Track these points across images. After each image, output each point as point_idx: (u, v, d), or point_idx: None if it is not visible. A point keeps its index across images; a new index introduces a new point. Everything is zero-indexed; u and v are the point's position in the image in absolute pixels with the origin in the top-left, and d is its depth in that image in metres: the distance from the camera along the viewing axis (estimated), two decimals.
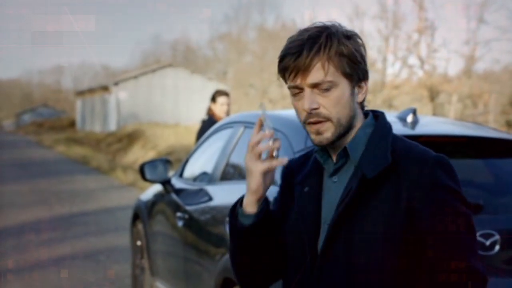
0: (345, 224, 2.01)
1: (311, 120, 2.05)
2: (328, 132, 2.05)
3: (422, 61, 26.21)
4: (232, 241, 2.20)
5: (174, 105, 41.26)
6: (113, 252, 9.19)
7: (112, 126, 39.64)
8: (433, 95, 25.00)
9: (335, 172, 2.11)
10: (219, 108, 8.24)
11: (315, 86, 2.03)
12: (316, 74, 2.02)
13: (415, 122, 4.00)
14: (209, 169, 5.22)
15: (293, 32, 2.14)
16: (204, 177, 5.33)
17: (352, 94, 2.07)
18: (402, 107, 25.00)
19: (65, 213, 12.63)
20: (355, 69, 2.05)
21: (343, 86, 2.04)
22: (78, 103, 52.91)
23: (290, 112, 4.22)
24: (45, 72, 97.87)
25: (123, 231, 9.95)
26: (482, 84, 24.41)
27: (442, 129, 4.22)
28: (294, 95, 2.08)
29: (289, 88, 2.08)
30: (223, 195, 4.69)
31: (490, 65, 28.20)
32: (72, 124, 54.43)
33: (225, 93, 8.35)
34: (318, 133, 2.06)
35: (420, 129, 3.94)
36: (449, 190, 1.96)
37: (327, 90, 2.03)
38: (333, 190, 2.10)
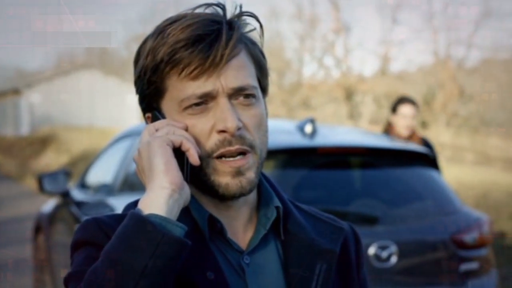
0: None
1: (232, 148, 1.35)
2: (251, 171, 1.37)
3: (338, 61, 26.49)
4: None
5: (89, 108, 40.58)
6: (20, 264, 8.90)
7: (25, 130, 38.72)
8: (349, 95, 25.29)
9: (254, 249, 1.43)
10: (401, 121, 5.99)
11: (235, 93, 1.36)
12: (239, 73, 1.36)
13: (313, 133, 3.95)
14: (108, 180, 5.10)
15: None
16: (103, 188, 5.20)
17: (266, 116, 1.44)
18: (319, 107, 25.25)
19: None
20: (267, 82, 1.45)
21: (262, 102, 1.42)
22: None
23: None
24: None
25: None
26: (397, 84, 24.83)
27: (341, 140, 4.19)
28: (191, 109, 1.36)
29: (185, 100, 1.35)
30: (122, 207, 4.58)
31: (405, 66, 28.74)
32: None
33: (411, 101, 6.13)
34: (239, 173, 1.36)
35: (319, 140, 3.89)
36: None
37: (249, 101, 1.37)
38: (252, 278, 1.41)
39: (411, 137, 5.85)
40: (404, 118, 5.92)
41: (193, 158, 1.31)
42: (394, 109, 6.03)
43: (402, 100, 6.09)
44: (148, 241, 1.20)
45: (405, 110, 5.95)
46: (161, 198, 1.26)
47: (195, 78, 1.34)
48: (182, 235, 1.25)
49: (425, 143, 5.87)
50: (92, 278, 1.22)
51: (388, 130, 6.03)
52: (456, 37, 24.09)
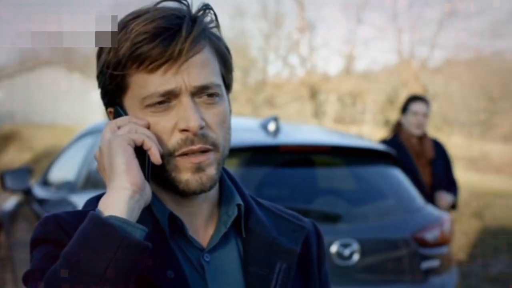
0: None
1: (194, 147, 1.33)
2: (212, 167, 1.35)
3: (303, 60, 26.55)
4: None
5: (52, 105, 40.21)
6: None
7: None
8: (313, 94, 25.37)
9: (214, 247, 1.42)
10: (412, 118, 5.63)
11: (198, 92, 1.34)
12: (203, 71, 1.34)
13: (277, 131, 3.96)
14: (71, 178, 5.06)
15: None
16: (66, 186, 5.17)
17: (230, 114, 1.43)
18: (284, 106, 25.29)
19: None
20: (231, 78, 1.44)
21: (225, 99, 1.40)
22: None
23: None
24: None
25: None
26: (361, 83, 24.97)
27: (303, 138, 4.20)
28: (154, 107, 1.33)
29: (148, 98, 1.33)
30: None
31: (369, 65, 28.87)
32: None
33: (423, 99, 5.74)
34: (200, 169, 1.34)
35: (282, 138, 3.90)
36: None
37: (212, 99, 1.36)
38: (212, 276, 1.40)
39: (422, 138, 5.61)
40: (415, 116, 5.56)
41: (155, 157, 1.31)
42: (404, 109, 5.67)
43: (413, 98, 5.76)
44: (108, 244, 1.18)
45: (417, 107, 5.59)
46: (121, 199, 1.24)
47: (153, 70, 1.31)
48: (142, 237, 1.23)
49: (437, 145, 5.69)
50: (51, 280, 1.19)
51: (398, 131, 5.67)
52: (420, 37, 24.25)
